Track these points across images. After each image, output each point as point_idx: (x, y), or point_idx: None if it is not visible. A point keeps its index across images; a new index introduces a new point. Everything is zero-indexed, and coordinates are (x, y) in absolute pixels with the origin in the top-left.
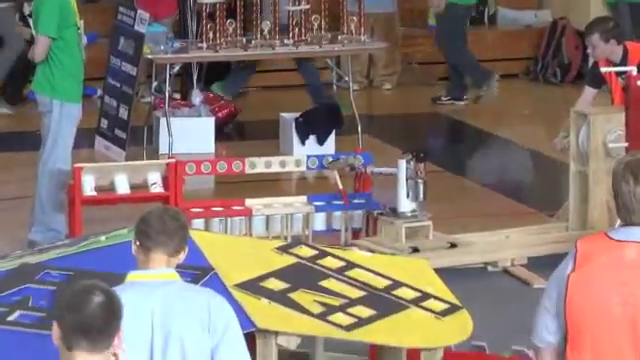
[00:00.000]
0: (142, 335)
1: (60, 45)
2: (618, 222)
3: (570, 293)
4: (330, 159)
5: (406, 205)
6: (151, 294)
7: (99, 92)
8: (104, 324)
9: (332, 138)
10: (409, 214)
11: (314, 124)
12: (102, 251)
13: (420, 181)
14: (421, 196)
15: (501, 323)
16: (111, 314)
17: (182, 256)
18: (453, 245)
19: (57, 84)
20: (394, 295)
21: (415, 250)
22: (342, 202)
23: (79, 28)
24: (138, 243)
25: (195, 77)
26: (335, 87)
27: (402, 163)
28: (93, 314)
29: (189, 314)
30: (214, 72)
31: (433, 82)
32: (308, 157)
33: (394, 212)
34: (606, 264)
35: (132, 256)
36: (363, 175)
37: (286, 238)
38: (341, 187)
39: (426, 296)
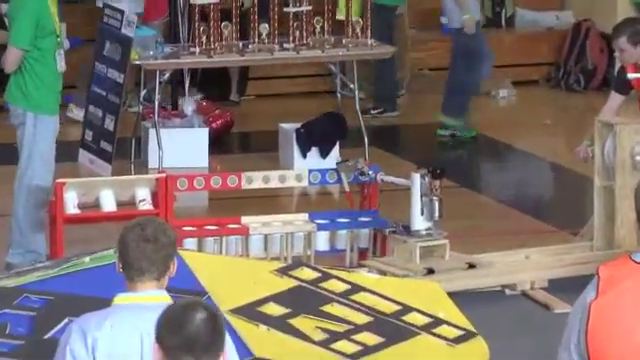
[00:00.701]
0: None
1: (35, 55)
2: None
3: (593, 321)
4: (340, 159)
5: (420, 223)
6: (141, 318)
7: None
8: (210, 342)
9: (336, 151)
10: (424, 232)
11: (316, 135)
12: (86, 273)
13: (435, 199)
14: (436, 214)
15: (520, 351)
16: (216, 331)
17: (172, 269)
18: (471, 266)
19: (31, 95)
20: (403, 321)
21: (430, 271)
22: (347, 220)
23: (58, 36)
24: (120, 267)
25: (187, 84)
26: (339, 95)
27: (416, 178)
28: (197, 331)
29: None
30: (208, 79)
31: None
32: (310, 171)
33: (407, 230)
34: (632, 289)
35: (119, 279)
36: (371, 187)
37: (286, 259)
38: (348, 189)
39: (438, 322)
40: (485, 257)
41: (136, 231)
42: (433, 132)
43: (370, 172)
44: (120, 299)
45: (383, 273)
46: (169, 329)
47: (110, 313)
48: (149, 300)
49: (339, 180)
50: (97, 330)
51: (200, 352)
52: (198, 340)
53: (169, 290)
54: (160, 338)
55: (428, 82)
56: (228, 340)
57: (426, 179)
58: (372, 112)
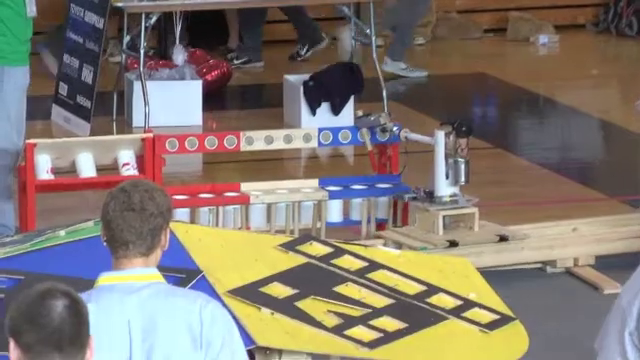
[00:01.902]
0: (117, 353)
1: None
2: None
3: None
4: (360, 113)
5: (444, 188)
6: (127, 301)
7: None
8: (75, 333)
9: (350, 106)
10: (448, 199)
11: (327, 88)
12: (62, 249)
13: (461, 160)
14: (462, 178)
15: (563, 338)
16: (81, 320)
17: (165, 242)
18: (503, 239)
19: None
20: (429, 303)
21: (453, 244)
22: (363, 186)
23: None
24: (105, 239)
25: (178, 30)
26: (354, 43)
27: (440, 136)
28: (61, 322)
29: (176, 326)
30: (202, 23)
31: (477, 35)
32: (320, 130)
33: (430, 197)
34: None
35: (101, 255)
36: (392, 148)
37: (292, 232)
38: (370, 148)
39: (469, 304)
40: (522, 229)
41: (120, 198)
42: (461, 84)
43: (395, 128)
44: (104, 279)
45: (399, 246)
46: (27, 322)
47: (92, 296)
48: (137, 279)
49: (355, 140)
50: None
51: (66, 345)
52: (63, 332)
53: (163, 269)
54: (16, 334)
55: (455, 26)
56: (231, 325)
57: (450, 137)
58: (235, 62)
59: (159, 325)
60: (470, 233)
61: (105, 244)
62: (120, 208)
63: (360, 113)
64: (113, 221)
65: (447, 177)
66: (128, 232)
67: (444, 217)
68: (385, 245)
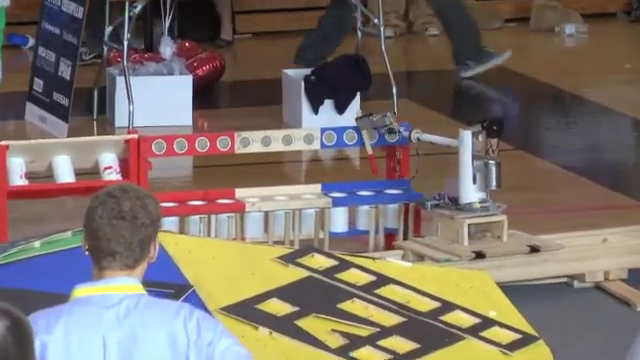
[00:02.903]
0: None
1: None
2: None
3: None
4: (360, 113)
5: (471, 194)
6: (103, 316)
7: (31, 41)
8: (21, 354)
9: (356, 104)
10: (477, 206)
11: (331, 84)
12: (36, 262)
13: (492, 162)
14: (493, 183)
15: (592, 359)
16: (26, 340)
17: (154, 254)
18: (534, 249)
19: None
20: (444, 322)
21: (479, 255)
22: (370, 192)
23: None
24: (87, 248)
25: (167, 20)
26: (360, 33)
27: (467, 136)
28: (5, 343)
29: (158, 341)
30: (191, 13)
31: (496, 25)
32: (323, 131)
33: (455, 203)
34: None
35: (80, 268)
36: (402, 150)
37: (292, 243)
38: (370, 152)
39: (488, 323)
40: (554, 239)
41: (109, 204)
42: (479, 79)
43: (402, 129)
44: (80, 291)
45: (421, 257)
46: None
47: (64, 311)
48: (116, 290)
49: (360, 141)
50: (47, 334)
51: None
52: (8, 354)
53: (149, 284)
54: None
55: (474, 14)
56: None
57: (480, 138)
58: (84, 58)
59: (139, 341)
60: (498, 243)
61: (87, 253)
62: (109, 215)
63: (360, 113)
64: (100, 229)
65: (474, 181)
66: (116, 242)
67: (469, 226)
68: (404, 257)
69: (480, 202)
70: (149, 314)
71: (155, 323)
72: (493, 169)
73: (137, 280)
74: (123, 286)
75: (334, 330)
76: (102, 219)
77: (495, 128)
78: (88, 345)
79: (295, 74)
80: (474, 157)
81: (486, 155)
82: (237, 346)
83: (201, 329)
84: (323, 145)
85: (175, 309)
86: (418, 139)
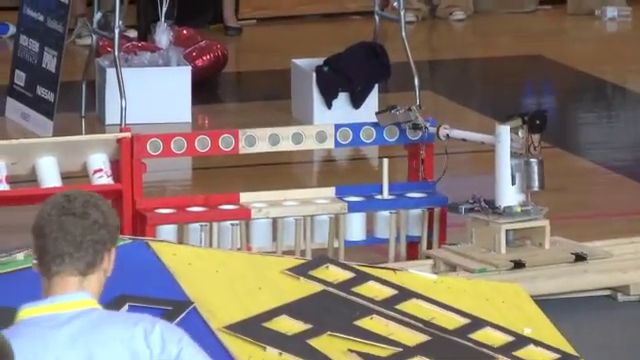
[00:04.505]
0: None
1: None
2: None
3: None
4: (383, 108)
5: (511, 196)
6: (54, 336)
7: (11, 29)
8: None
9: (374, 97)
10: (517, 210)
11: (346, 75)
12: (20, 276)
13: (534, 161)
14: (536, 183)
15: None
16: (7, 358)
17: (108, 265)
18: (580, 257)
19: None
20: (473, 340)
21: (518, 265)
22: (391, 197)
23: None
24: (36, 261)
25: (165, 6)
26: (377, 18)
27: (505, 131)
28: None
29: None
30: None
31: (530, 7)
32: (337, 127)
33: (492, 207)
34: None
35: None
36: (426, 149)
37: (304, 253)
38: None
39: (523, 341)
40: (600, 247)
41: (59, 201)
42: (511, 69)
43: (428, 125)
44: (26, 312)
45: (453, 267)
46: None
47: (11, 334)
48: (66, 308)
49: (380, 138)
50: None
51: None
52: None
53: (132, 299)
54: None
55: None
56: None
57: (520, 133)
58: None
59: None
60: (539, 251)
61: (35, 265)
62: (57, 213)
63: (381, 107)
64: (47, 226)
65: (513, 182)
66: (64, 240)
67: (507, 232)
68: (435, 267)
69: (521, 205)
70: (105, 330)
71: (113, 339)
72: (535, 168)
73: (87, 294)
74: (72, 303)
75: (351, 350)
76: (50, 216)
77: (538, 122)
78: None
79: (306, 64)
80: (513, 155)
81: (528, 152)
82: (205, 358)
83: (165, 342)
84: (337, 144)
85: (133, 322)
86: (447, 135)
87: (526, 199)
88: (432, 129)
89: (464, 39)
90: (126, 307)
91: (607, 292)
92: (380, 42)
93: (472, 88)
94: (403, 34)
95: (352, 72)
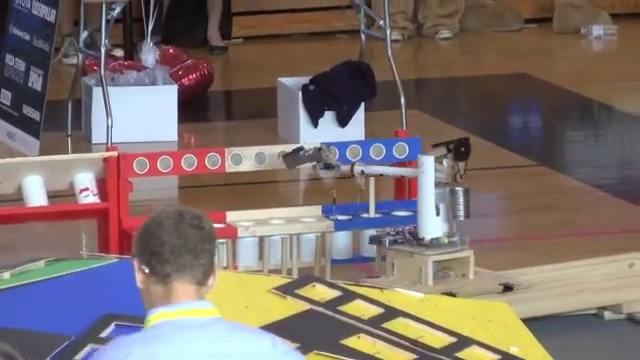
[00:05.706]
0: None
1: None
2: None
3: None
4: (285, 151)
5: (435, 227)
6: (189, 336)
7: None
8: None
9: (360, 115)
10: (444, 241)
11: (332, 94)
12: (6, 295)
13: (460, 189)
14: (462, 212)
15: None
16: None
17: (212, 282)
18: (508, 288)
19: None
20: (460, 359)
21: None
22: (377, 215)
23: None
24: (147, 270)
25: (150, 24)
26: (364, 37)
27: (427, 162)
28: None
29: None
30: (177, 15)
31: (516, 26)
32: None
33: (415, 238)
34: None
35: (53, 302)
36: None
37: (290, 272)
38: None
39: (509, 359)
40: (518, 275)
41: (171, 213)
42: (496, 87)
43: (339, 163)
44: (157, 316)
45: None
46: None
47: (139, 340)
48: (196, 314)
49: (366, 157)
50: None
51: None
52: None
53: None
54: None
55: (489, 16)
56: None
57: (444, 162)
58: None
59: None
60: (467, 282)
61: (145, 275)
62: (174, 222)
63: (285, 151)
64: (164, 234)
65: (437, 213)
66: (184, 248)
67: (433, 263)
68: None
69: (447, 236)
70: (239, 336)
71: (247, 344)
72: (461, 197)
73: (211, 304)
74: (204, 310)
75: None
76: (167, 225)
77: (463, 150)
78: None
79: (292, 83)
80: (437, 184)
81: (454, 181)
82: None
83: (288, 350)
84: None
85: (258, 331)
86: (362, 172)
87: (451, 229)
88: (345, 167)
89: (450, 58)
90: (112, 326)
91: (594, 311)
92: (366, 61)
93: (458, 106)
94: (389, 53)
95: (338, 91)
